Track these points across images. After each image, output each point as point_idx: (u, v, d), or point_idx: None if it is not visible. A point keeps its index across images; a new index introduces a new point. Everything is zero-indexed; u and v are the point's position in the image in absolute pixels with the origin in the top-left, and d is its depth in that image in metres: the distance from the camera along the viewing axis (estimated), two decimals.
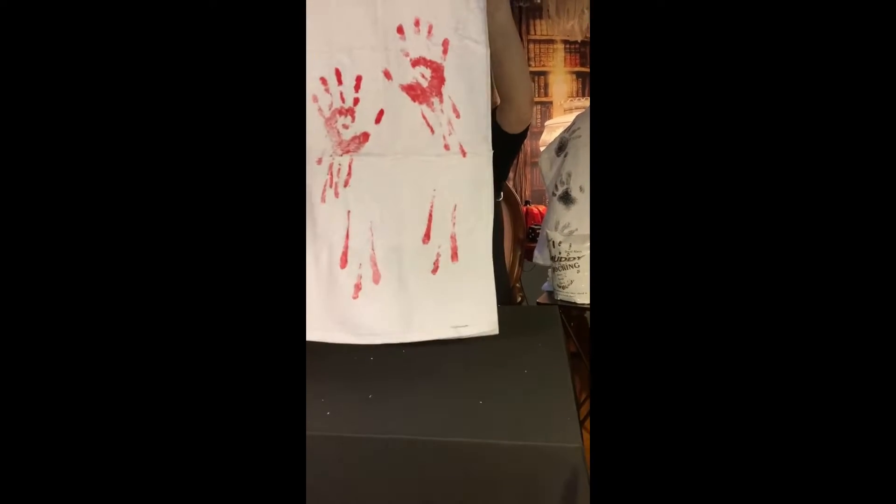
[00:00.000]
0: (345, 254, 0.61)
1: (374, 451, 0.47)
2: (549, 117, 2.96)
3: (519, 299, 1.18)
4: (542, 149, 2.84)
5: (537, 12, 2.79)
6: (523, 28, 2.73)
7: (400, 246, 0.61)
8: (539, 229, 2.10)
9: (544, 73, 2.94)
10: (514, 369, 0.58)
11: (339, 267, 0.61)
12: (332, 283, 0.62)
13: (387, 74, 0.65)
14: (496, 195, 0.80)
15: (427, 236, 0.61)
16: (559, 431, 0.45)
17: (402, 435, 0.47)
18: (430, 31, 0.63)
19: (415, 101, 0.65)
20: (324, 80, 0.65)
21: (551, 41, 2.89)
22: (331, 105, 0.66)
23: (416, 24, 0.63)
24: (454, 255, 0.60)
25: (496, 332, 0.58)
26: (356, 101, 0.65)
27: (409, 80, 0.65)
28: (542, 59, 2.92)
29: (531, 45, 2.86)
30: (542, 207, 2.68)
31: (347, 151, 0.66)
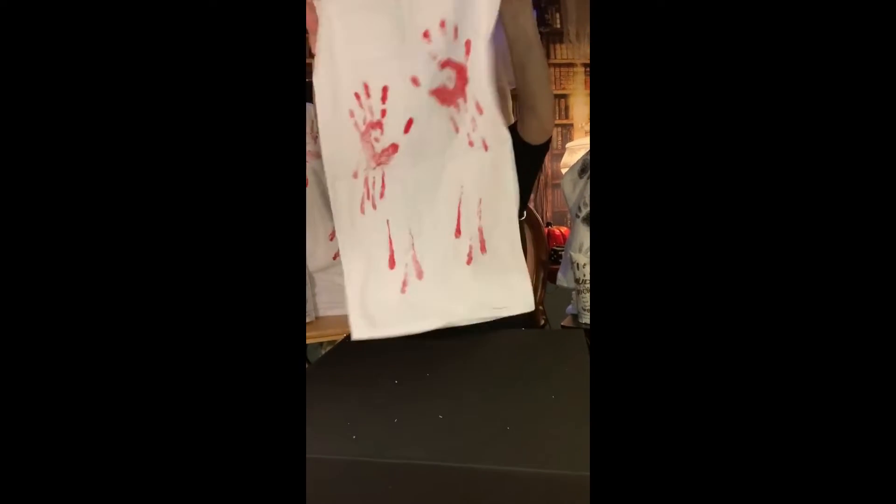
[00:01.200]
0: (391, 258, 0.64)
1: (397, 476, 0.46)
2: (570, 139, 2.97)
3: (542, 322, 1.16)
4: (563, 171, 2.84)
5: (558, 37, 2.83)
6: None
7: (436, 244, 0.63)
8: (561, 251, 2.09)
9: (565, 96, 2.97)
10: (541, 394, 0.57)
11: (387, 268, 0.63)
12: (379, 282, 0.64)
13: (414, 81, 0.65)
14: (519, 214, 0.80)
15: (458, 231, 0.62)
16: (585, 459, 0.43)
17: (426, 461, 0.46)
18: (455, 33, 0.63)
19: (443, 104, 0.65)
20: (357, 95, 0.66)
21: (571, 65, 2.92)
22: (365, 119, 0.67)
23: (442, 25, 0.63)
24: (482, 248, 0.62)
25: (532, 308, 0.59)
26: (384, 112, 0.66)
27: (437, 84, 0.64)
28: (563, 82, 2.95)
29: (552, 69, 2.90)
30: (563, 229, 2.66)
31: (380, 164, 0.67)
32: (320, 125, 0.66)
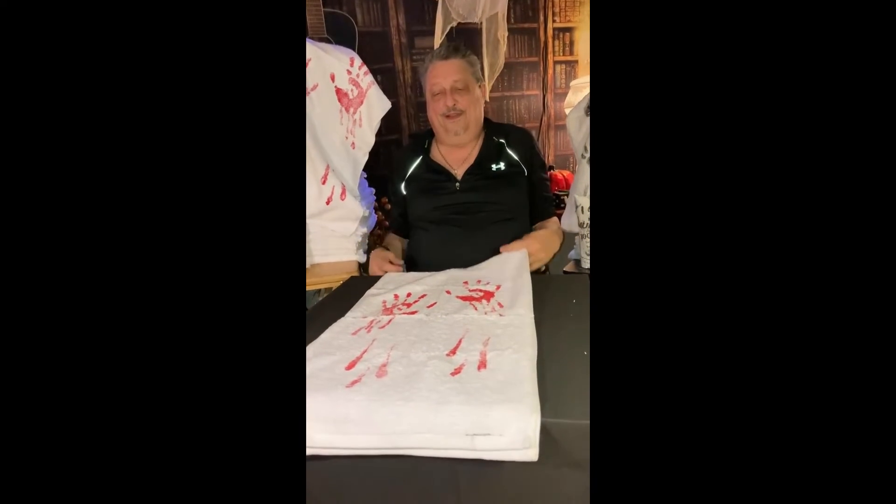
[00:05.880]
0: (353, 363, 0.54)
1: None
2: (575, 77, 2.82)
3: (543, 269, 1.13)
4: (567, 110, 2.72)
5: None
6: None
7: (417, 355, 0.55)
8: (564, 195, 2.03)
9: (569, 30, 2.79)
10: (548, 342, 0.54)
11: (343, 368, 0.53)
12: (329, 381, 0.51)
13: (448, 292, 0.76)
14: None
15: (453, 352, 0.54)
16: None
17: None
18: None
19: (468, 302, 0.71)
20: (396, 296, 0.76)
21: None
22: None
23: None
24: (482, 365, 0.51)
25: (533, 458, 0.41)
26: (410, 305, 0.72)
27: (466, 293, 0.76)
28: (568, 13, 2.76)
29: None
30: (566, 173, 2.59)
31: (390, 313, 0.70)
32: None
